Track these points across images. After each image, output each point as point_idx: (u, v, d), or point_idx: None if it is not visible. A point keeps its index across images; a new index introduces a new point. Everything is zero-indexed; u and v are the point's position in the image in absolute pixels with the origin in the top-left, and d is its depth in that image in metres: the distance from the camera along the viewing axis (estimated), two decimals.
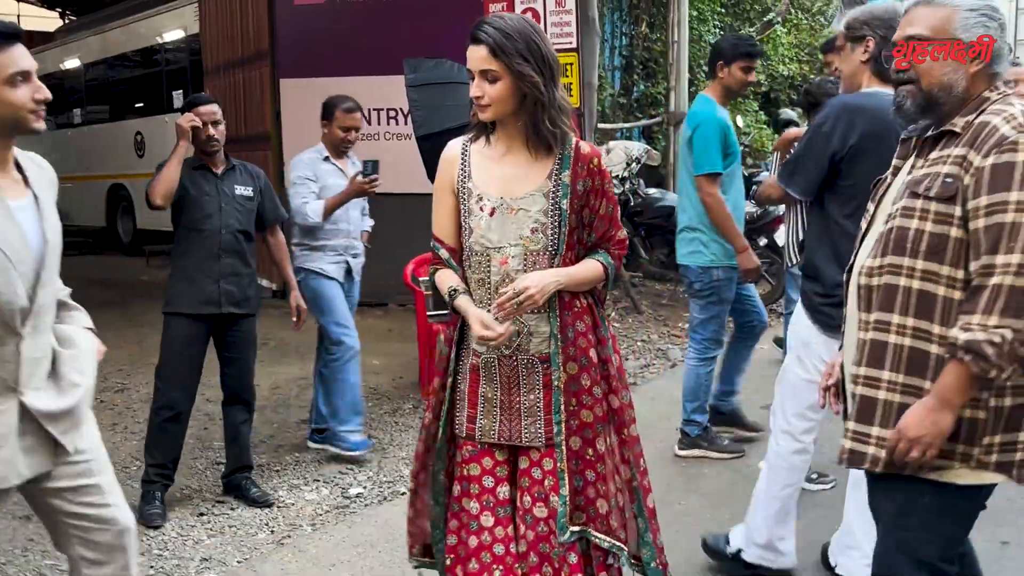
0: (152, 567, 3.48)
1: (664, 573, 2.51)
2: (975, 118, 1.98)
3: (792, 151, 3.32)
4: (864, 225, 2.21)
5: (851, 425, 2.11)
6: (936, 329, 1.96)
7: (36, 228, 2.23)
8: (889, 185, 2.17)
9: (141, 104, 13.14)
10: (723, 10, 12.55)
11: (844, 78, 3.11)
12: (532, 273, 2.36)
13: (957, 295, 1.95)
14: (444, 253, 2.48)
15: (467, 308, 2.40)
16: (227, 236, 3.98)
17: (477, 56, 2.33)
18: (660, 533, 2.53)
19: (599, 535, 2.43)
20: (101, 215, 14.02)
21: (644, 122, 11.17)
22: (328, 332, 4.57)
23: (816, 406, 2.67)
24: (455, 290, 2.43)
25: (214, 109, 4.00)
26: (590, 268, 2.45)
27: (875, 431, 2.04)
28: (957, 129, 2.00)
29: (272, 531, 3.83)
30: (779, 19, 12.55)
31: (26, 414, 2.20)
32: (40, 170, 2.34)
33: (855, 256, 2.19)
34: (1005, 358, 1.86)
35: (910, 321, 1.99)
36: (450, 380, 2.49)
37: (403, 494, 4.00)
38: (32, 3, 21.62)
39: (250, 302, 4.08)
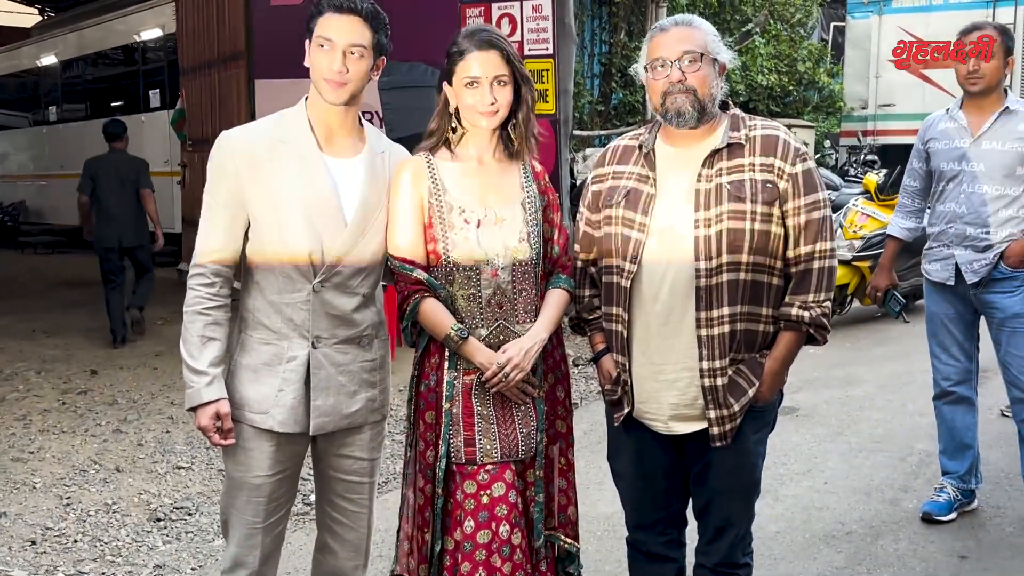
0: (104, 573, 3.42)
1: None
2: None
3: None
4: (633, 232, 2.30)
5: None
6: (763, 311, 2.29)
7: (356, 189, 2.30)
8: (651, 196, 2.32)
9: (118, 102, 13.04)
10: None
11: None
12: (511, 343, 2.30)
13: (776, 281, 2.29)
14: (421, 274, 2.32)
15: (477, 352, 2.28)
16: None
17: (493, 61, 2.28)
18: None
19: (568, 540, 2.47)
20: (75, 214, 13.87)
21: (622, 130, 11.19)
22: None
23: None
24: (463, 334, 2.28)
25: None
26: (560, 302, 2.42)
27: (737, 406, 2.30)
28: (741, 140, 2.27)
29: None
30: (758, 30, 12.61)
31: (319, 364, 2.28)
32: (383, 143, 2.43)
33: (634, 264, 2.29)
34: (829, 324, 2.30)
35: (747, 308, 2.27)
36: (445, 407, 2.34)
37: None
38: None
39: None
